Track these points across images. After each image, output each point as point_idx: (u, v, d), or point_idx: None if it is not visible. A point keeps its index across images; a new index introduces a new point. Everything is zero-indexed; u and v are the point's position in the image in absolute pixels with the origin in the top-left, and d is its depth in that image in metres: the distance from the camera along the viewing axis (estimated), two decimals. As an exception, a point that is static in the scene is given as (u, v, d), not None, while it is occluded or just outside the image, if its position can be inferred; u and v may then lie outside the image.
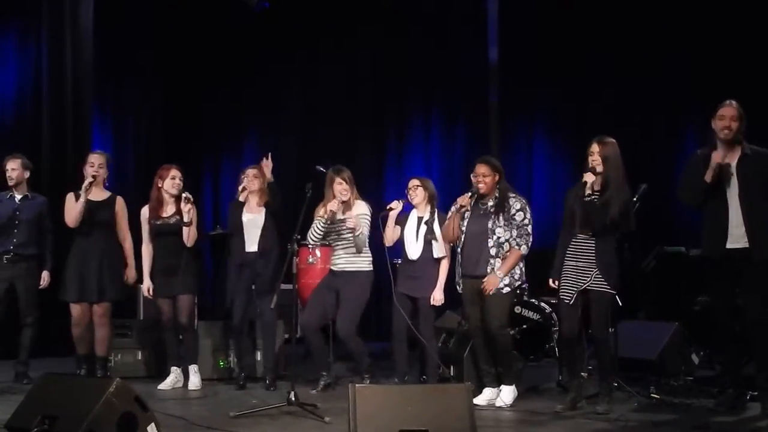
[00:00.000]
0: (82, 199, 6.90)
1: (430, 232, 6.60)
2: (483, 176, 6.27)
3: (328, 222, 6.75)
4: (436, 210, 6.70)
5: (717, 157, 5.84)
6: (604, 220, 5.86)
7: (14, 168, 7.23)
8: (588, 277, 5.94)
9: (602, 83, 9.97)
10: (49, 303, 7.93)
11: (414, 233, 6.70)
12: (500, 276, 6.16)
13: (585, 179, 5.93)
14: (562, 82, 10.05)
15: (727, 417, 5.81)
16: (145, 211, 7.07)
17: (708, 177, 5.84)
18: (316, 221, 6.76)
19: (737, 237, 5.85)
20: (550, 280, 6.18)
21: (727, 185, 5.88)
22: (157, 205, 7.01)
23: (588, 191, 5.91)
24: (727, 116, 5.92)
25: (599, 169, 5.94)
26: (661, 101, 9.67)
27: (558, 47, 9.99)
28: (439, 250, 6.63)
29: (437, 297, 6.64)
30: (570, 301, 6.00)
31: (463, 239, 6.31)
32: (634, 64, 9.76)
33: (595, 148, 5.99)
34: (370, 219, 6.84)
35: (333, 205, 6.71)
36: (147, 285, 7.04)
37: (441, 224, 6.60)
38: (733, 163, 5.90)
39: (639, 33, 9.64)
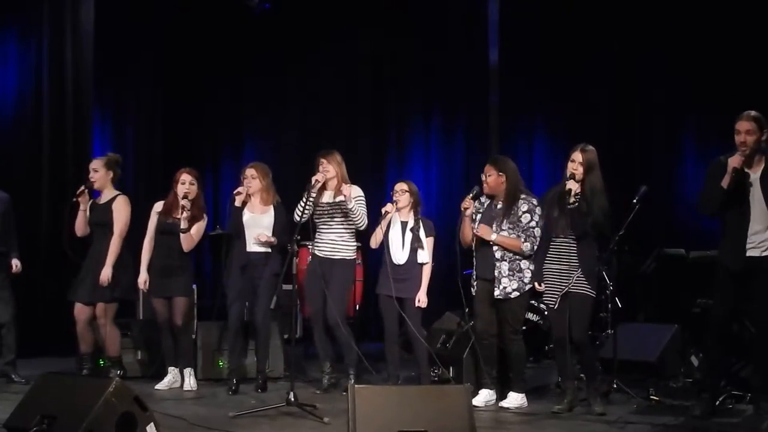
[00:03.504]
0: (81, 208, 6.88)
1: (416, 239, 6.65)
2: (487, 175, 6.31)
3: (314, 195, 6.73)
4: (419, 217, 6.74)
5: (734, 161, 5.68)
6: (587, 225, 5.91)
7: None
8: (569, 279, 5.99)
9: (602, 84, 9.97)
10: (47, 303, 7.96)
11: (400, 238, 6.71)
12: (493, 238, 6.20)
13: (569, 186, 5.97)
14: (562, 83, 10.04)
15: (722, 419, 5.82)
16: (157, 206, 7.06)
17: (725, 183, 5.70)
18: (303, 198, 6.71)
19: (757, 245, 5.77)
20: (535, 284, 6.21)
21: (749, 195, 5.74)
22: (170, 206, 6.99)
23: (573, 198, 5.94)
24: (742, 131, 5.72)
25: (579, 176, 5.99)
26: (660, 102, 9.66)
27: (558, 48, 9.98)
28: (423, 255, 6.66)
29: (422, 299, 6.65)
30: (555, 305, 6.05)
31: (475, 241, 6.35)
32: (633, 65, 9.76)
33: (578, 156, 6.03)
34: (365, 201, 6.86)
35: (319, 176, 6.70)
36: (143, 278, 6.99)
37: (426, 230, 6.68)
38: (757, 175, 5.76)
39: (639, 33, 9.64)
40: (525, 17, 10.12)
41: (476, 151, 10.35)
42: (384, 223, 6.72)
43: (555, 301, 6.04)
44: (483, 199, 6.41)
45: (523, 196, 6.32)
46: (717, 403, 6.00)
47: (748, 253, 5.77)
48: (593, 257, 6.05)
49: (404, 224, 6.73)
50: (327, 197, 6.86)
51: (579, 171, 6.00)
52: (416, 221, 6.71)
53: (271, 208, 7.05)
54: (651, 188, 6.51)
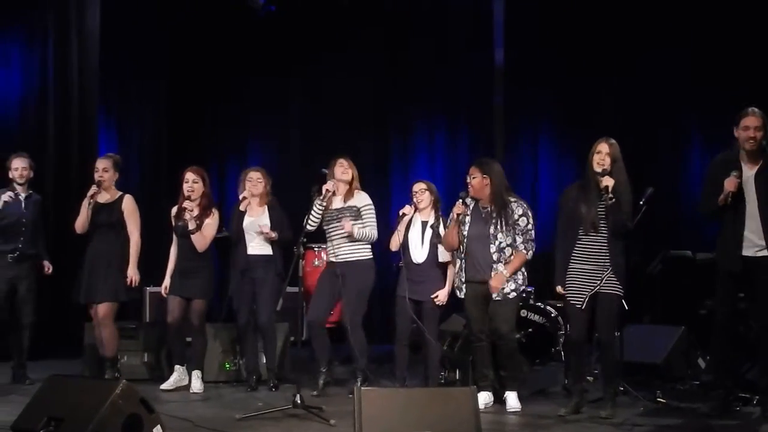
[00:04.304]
0: (88, 207, 6.90)
1: (436, 236, 6.63)
2: (471, 177, 6.30)
3: (324, 204, 6.73)
4: (440, 215, 6.71)
5: (730, 185, 5.77)
6: (622, 220, 5.87)
7: (24, 167, 7.25)
8: (599, 279, 5.92)
9: (607, 85, 9.95)
10: (54, 304, 7.96)
11: (419, 237, 6.70)
12: (506, 275, 6.15)
13: (605, 183, 5.87)
14: (568, 84, 10.03)
15: (728, 421, 5.81)
16: (173, 210, 7.11)
17: (721, 200, 5.81)
18: (313, 207, 6.74)
19: (754, 245, 5.80)
20: (557, 288, 6.14)
21: (746, 195, 5.81)
22: (180, 209, 7.04)
23: (609, 195, 5.88)
24: (751, 126, 5.81)
25: (608, 168, 5.93)
26: (666, 103, 9.64)
27: (563, 49, 9.96)
28: (444, 254, 6.63)
29: (441, 297, 6.63)
30: (582, 306, 5.98)
31: (465, 244, 6.33)
32: (638, 66, 9.73)
33: (603, 147, 5.97)
34: (374, 208, 6.88)
35: (330, 185, 6.71)
36: (166, 284, 7.07)
37: (446, 227, 6.61)
38: (753, 173, 5.83)
39: (643, 34, 9.62)
40: (530, 19, 10.10)
41: (481, 154, 10.30)
42: (402, 226, 6.72)
43: (582, 301, 5.96)
44: (468, 201, 6.39)
45: (512, 199, 6.29)
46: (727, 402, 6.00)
47: (744, 252, 5.81)
48: (623, 256, 5.97)
49: (424, 224, 6.72)
50: (337, 203, 6.88)
51: (607, 162, 5.93)
52: (437, 218, 6.69)
53: (266, 207, 7.09)
54: (656, 190, 6.50)
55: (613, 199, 5.84)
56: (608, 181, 5.88)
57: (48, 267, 7.38)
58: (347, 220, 6.77)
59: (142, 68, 10.44)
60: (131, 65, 10.30)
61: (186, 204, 6.92)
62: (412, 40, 10.76)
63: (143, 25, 10.24)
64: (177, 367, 7.06)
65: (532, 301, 7.84)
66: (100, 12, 9.38)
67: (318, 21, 10.66)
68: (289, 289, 6.59)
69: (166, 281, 7.07)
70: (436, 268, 6.67)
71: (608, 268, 5.91)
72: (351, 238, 6.80)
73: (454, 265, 6.58)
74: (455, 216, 6.31)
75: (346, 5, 10.24)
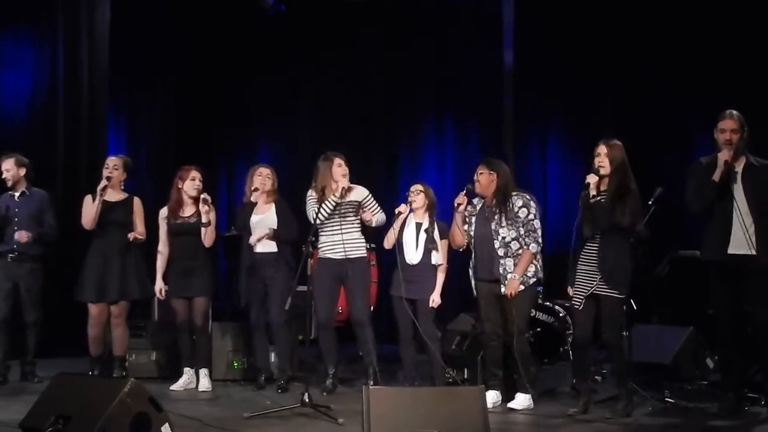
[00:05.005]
0: (97, 201, 6.93)
1: (430, 241, 6.64)
2: (478, 174, 6.31)
3: (339, 201, 6.79)
4: (434, 219, 6.74)
5: (724, 155, 5.80)
6: (609, 220, 5.84)
7: (8, 168, 7.25)
8: (594, 281, 5.93)
9: (617, 88, 9.92)
10: (60, 303, 7.99)
11: (414, 239, 6.71)
12: (517, 278, 6.17)
13: (587, 180, 5.92)
14: (577, 87, 10.01)
15: (736, 422, 5.80)
16: (163, 212, 7.11)
17: (717, 176, 5.81)
18: (325, 202, 6.75)
19: (741, 243, 5.82)
20: (568, 288, 6.15)
21: (734, 190, 5.85)
22: (176, 206, 7.05)
23: (593, 192, 5.90)
24: (727, 129, 5.86)
25: (604, 171, 5.94)
26: (673, 105, 9.62)
27: (573, 51, 9.94)
28: (437, 257, 6.66)
29: (435, 299, 6.65)
30: (579, 306, 6.00)
31: (473, 243, 6.34)
32: (646, 68, 9.71)
33: (602, 149, 5.98)
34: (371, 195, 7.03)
35: (344, 182, 6.76)
36: (159, 286, 7.07)
37: (440, 233, 6.67)
38: (739, 170, 5.87)
39: (650, 37, 9.60)
40: (540, 21, 10.08)
41: (491, 155, 10.22)
42: (397, 224, 6.73)
43: (580, 301, 5.98)
44: (476, 201, 6.40)
45: (514, 192, 6.31)
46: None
47: (730, 250, 5.82)
48: (620, 258, 5.90)
49: (419, 225, 6.73)
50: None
51: (605, 164, 5.93)
52: (431, 223, 6.71)
53: (273, 205, 7.10)
54: (665, 190, 6.49)
55: (599, 199, 5.88)
56: (591, 179, 5.92)
57: (21, 235, 7.07)
58: (367, 211, 6.92)
59: (151, 68, 10.48)
60: (141, 65, 10.32)
61: (205, 196, 6.94)
62: (420, 40, 10.75)
63: (153, 25, 10.27)
64: (186, 369, 7.08)
65: (540, 301, 7.83)
66: (110, 12, 9.40)
67: (328, 20, 10.67)
68: (299, 287, 6.60)
69: (160, 283, 7.06)
70: (430, 269, 6.69)
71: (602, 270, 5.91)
72: (368, 229, 6.98)
73: (446, 268, 6.70)
74: (456, 206, 6.33)
75: (359, 1, 10.24)
